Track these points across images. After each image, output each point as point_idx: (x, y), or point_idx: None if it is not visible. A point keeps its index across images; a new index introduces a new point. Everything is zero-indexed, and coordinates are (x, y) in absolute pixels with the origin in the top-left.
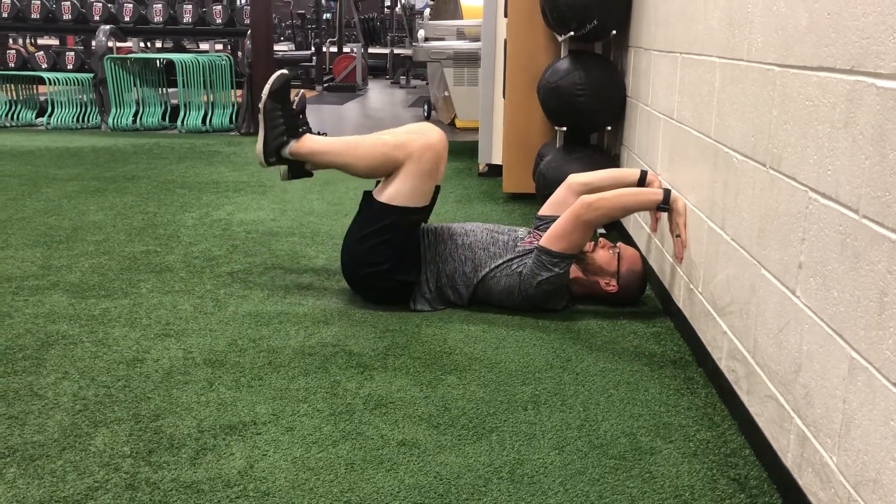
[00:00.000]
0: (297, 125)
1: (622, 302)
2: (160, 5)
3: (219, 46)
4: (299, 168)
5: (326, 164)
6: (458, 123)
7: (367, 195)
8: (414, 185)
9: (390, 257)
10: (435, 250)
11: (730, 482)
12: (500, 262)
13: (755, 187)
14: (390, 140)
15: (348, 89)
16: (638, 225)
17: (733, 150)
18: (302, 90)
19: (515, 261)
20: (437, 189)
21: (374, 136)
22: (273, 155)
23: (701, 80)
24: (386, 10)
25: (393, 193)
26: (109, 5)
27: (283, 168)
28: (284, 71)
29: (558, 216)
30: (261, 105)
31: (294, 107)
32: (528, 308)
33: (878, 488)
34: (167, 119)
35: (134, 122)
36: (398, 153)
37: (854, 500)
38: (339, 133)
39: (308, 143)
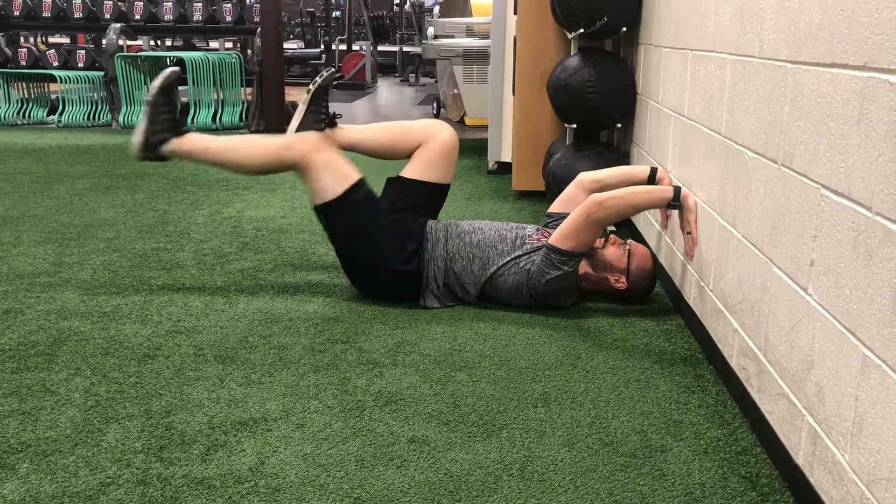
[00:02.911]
0: (178, 123)
1: (631, 299)
2: (170, 4)
3: (229, 44)
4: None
5: (209, 162)
6: (468, 121)
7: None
8: (327, 175)
9: (367, 248)
10: (444, 248)
11: (741, 480)
12: (508, 259)
13: (767, 184)
14: (277, 140)
15: (358, 87)
16: (648, 222)
17: (744, 147)
18: (331, 68)
19: (524, 258)
20: (447, 188)
21: (258, 137)
22: (151, 149)
23: (712, 77)
24: (395, 7)
25: (319, 193)
26: (120, 4)
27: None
28: (176, 68)
29: (567, 214)
30: (149, 98)
31: (321, 82)
32: (536, 305)
33: (891, 487)
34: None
35: None
36: (287, 154)
37: (867, 499)
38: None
39: (188, 142)
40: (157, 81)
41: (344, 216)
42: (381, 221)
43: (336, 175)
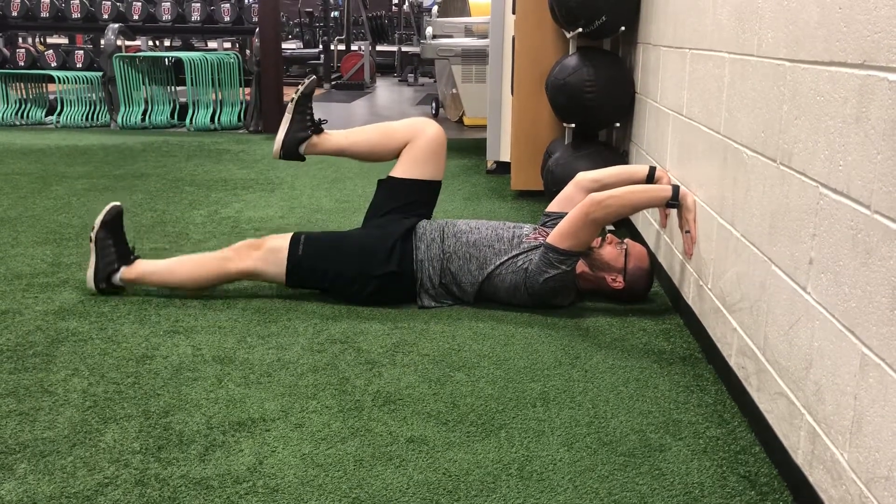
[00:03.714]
0: (128, 252)
1: (628, 299)
2: (169, 4)
3: (227, 44)
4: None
5: (157, 284)
6: (466, 121)
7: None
8: (269, 263)
9: (343, 273)
10: (440, 247)
11: (740, 479)
12: (506, 258)
13: (765, 183)
14: (216, 255)
15: (356, 87)
16: (647, 221)
17: (743, 145)
18: (313, 76)
19: (521, 257)
20: (439, 185)
21: (199, 255)
22: (104, 282)
23: (710, 76)
24: (394, 7)
25: (277, 277)
26: (118, 4)
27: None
28: (117, 203)
29: (566, 213)
30: (92, 235)
31: (304, 89)
32: (534, 304)
33: (890, 485)
34: (176, 117)
35: (143, 120)
36: (231, 266)
37: (866, 497)
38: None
39: (138, 268)
40: (99, 217)
41: (306, 271)
42: (340, 243)
43: (274, 254)
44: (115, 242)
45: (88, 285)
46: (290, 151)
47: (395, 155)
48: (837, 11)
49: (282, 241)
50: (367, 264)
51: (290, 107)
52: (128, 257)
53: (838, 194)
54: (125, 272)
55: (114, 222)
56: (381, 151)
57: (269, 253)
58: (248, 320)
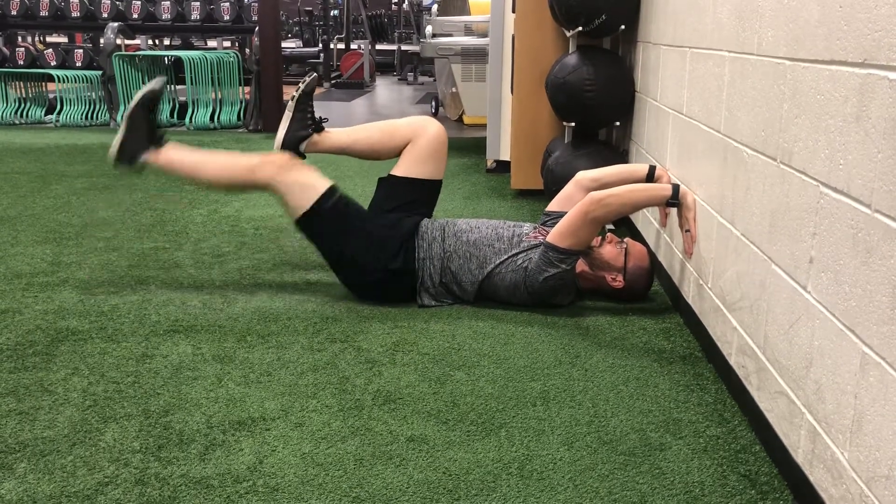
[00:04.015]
0: (159, 135)
1: (628, 298)
2: (168, 3)
3: (227, 43)
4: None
5: (182, 176)
6: (466, 120)
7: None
8: (297, 190)
9: (350, 250)
10: (440, 246)
11: (740, 478)
12: (506, 257)
13: (765, 182)
14: (245, 161)
15: (356, 86)
16: (647, 220)
17: (743, 144)
18: (314, 74)
19: (520, 255)
20: (440, 184)
21: (228, 157)
22: (128, 159)
23: (710, 75)
24: (393, 6)
25: (293, 209)
26: (118, 3)
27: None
28: (154, 86)
29: (565, 212)
30: (128, 111)
31: (304, 87)
32: (534, 303)
33: (890, 484)
34: (175, 116)
35: None
36: (254, 177)
37: (866, 497)
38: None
39: (165, 155)
40: (138, 94)
41: (322, 224)
42: (360, 223)
43: (305, 188)
44: (150, 122)
45: (110, 157)
46: (291, 149)
47: (397, 153)
48: (838, 10)
49: (317, 181)
50: (379, 256)
51: (291, 105)
52: (158, 140)
53: (839, 193)
54: (152, 155)
55: (152, 101)
56: (383, 150)
57: (299, 186)
58: (248, 319)
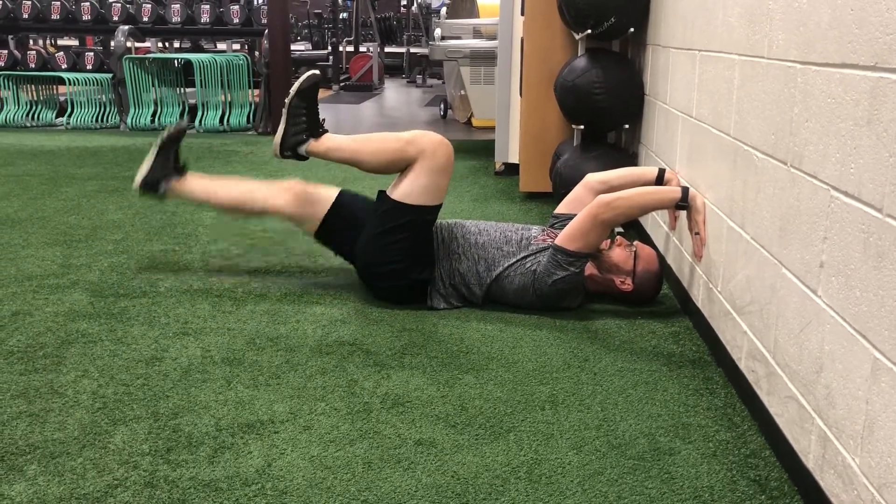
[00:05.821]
0: (318, 125)
1: (637, 301)
2: (178, 6)
3: (236, 46)
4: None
5: (340, 160)
6: (475, 122)
7: (381, 194)
8: (428, 182)
9: (405, 256)
10: (449, 248)
11: (750, 483)
12: (514, 260)
13: (776, 186)
14: (403, 136)
15: (365, 89)
16: (656, 223)
17: (753, 148)
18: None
19: (529, 259)
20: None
21: (385, 133)
22: (290, 150)
23: (720, 78)
24: (402, 9)
25: (407, 191)
26: (128, 6)
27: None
28: (316, 71)
29: (574, 215)
30: (287, 101)
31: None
32: (542, 306)
33: None
34: (185, 119)
35: (152, 121)
36: (410, 149)
37: (878, 503)
38: (354, 133)
39: (325, 143)
40: (296, 84)
41: (408, 223)
42: (421, 243)
43: (431, 188)
44: (308, 113)
45: (274, 149)
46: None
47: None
48: (849, 13)
49: (442, 192)
50: (414, 268)
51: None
52: (317, 129)
53: (850, 197)
54: (313, 145)
55: (310, 91)
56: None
57: (437, 181)
58: (257, 322)
